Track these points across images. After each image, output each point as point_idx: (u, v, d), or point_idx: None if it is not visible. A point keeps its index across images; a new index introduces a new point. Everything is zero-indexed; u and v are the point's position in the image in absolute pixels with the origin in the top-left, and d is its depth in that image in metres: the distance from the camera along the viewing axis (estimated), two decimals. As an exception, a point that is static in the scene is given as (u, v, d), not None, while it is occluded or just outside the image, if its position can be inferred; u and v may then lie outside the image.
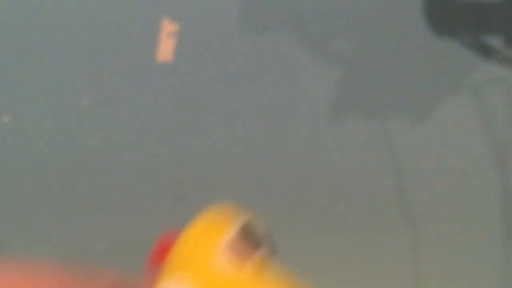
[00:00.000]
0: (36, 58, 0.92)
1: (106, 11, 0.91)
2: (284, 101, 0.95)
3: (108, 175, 0.93)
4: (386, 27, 0.97)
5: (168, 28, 0.91)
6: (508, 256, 0.92)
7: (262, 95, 0.95)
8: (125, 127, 0.94)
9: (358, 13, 0.96)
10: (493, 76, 0.97)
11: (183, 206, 0.93)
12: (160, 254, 0.44)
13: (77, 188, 0.93)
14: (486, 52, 0.97)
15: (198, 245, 0.42)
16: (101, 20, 0.91)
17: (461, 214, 0.95)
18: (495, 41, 0.96)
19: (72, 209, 0.93)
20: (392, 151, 0.96)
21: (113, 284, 0.48)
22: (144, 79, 0.93)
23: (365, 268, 0.94)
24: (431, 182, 0.96)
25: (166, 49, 0.91)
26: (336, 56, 0.96)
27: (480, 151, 0.96)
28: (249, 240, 0.42)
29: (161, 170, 0.93)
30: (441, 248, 0.94)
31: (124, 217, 0.94)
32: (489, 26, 0.97)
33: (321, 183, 0.95)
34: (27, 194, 0.92)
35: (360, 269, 0.94)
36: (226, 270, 0.39)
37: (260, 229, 0.46)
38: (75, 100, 0.93)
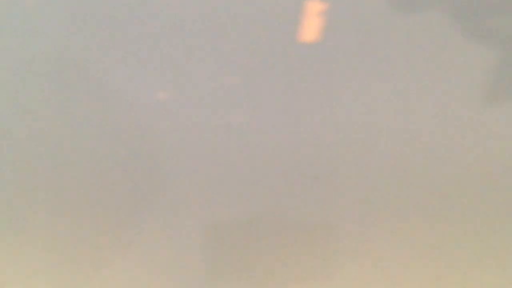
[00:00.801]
0: (191, 34, 0.96)
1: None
2: (434, 84, 0.92)
3: (254, 153, 0.96)
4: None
5: (314, 7, 0.91)
6: None
7: (410, 77, 0.92)
8: (269, 108, 0.96)
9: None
10: None
11: (318, 185, 0.94)
12: None
13: (222, 164, 0.98)
14: None
15: None
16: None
17: None
18: None
19: (212, 183, 0.97)
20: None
21: None
22: (288, 59, 0.94)
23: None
24: None
25: (311, 29, 0.91)
26: (491, 35, 0.91)
27: None
28: None
29: (299, 150, 0.94)
30: None
31: (268, 194, 0.97)
32: None
33: (473, 172, 0.91)
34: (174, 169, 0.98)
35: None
36: None
37: None
38: (224, 78, 0.96)
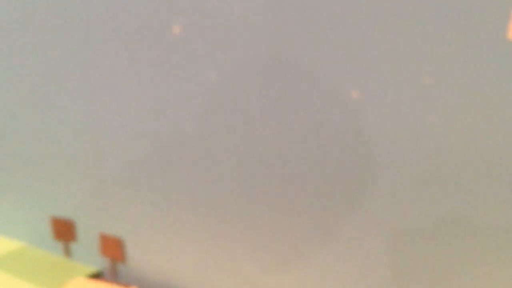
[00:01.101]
0: (391, 34, 0.93)
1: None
2: None
3: (447, 155, 0.91)
4: None
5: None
6: None
7: None
8: (465, 109, 0.89)
9: None
10: None
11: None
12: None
13: (416, 166, 0.93)
14: None
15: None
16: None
17: None
18: None
19: (411, 185, 0.94)
20: None
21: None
22: (493, 57, 0.86)
23: None
24: None
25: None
26: None
27: None
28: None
29: (493, 153, 0.87)
30: None
31: (461, 197, 0.91)
32: None
33: None
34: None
35: None
36: None
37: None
38: (417, 78, 0.92)
